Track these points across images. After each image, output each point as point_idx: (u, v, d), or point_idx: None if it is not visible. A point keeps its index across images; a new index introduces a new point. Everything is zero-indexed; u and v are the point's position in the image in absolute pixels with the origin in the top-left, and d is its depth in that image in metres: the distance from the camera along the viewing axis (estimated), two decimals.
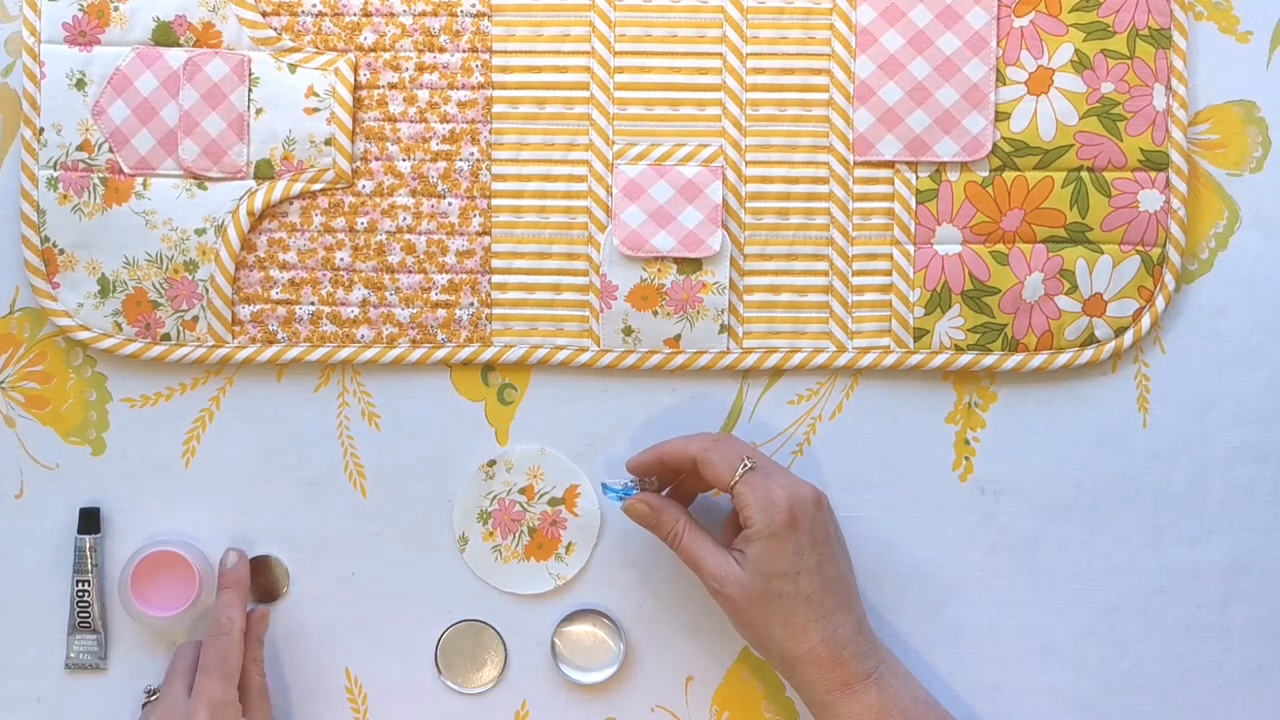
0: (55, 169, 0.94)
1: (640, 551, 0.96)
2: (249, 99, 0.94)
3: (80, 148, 0.94)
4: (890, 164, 0.95)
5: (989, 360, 0.95)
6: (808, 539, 0.87)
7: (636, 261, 0.95)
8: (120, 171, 0.94)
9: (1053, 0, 0.94)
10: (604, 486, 0.93)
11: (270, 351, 0.95)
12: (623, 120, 0.95)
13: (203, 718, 0.86)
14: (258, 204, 0.94)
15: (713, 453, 0.88)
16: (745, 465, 0.88)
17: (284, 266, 0.95)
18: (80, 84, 0.93)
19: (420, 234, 0.95)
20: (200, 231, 0.94)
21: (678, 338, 0.95)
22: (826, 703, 0.87)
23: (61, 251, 0.94)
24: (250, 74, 0.94)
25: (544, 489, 0.96)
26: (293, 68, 0.94)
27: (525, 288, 0.95)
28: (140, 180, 0.94)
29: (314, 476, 0.96)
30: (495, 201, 0.95)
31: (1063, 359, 0.95)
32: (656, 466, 0.91)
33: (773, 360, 0.95)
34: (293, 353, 0.95)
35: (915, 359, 0.95)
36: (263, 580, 0.95)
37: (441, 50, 0.94)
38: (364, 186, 0.95)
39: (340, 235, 0.95)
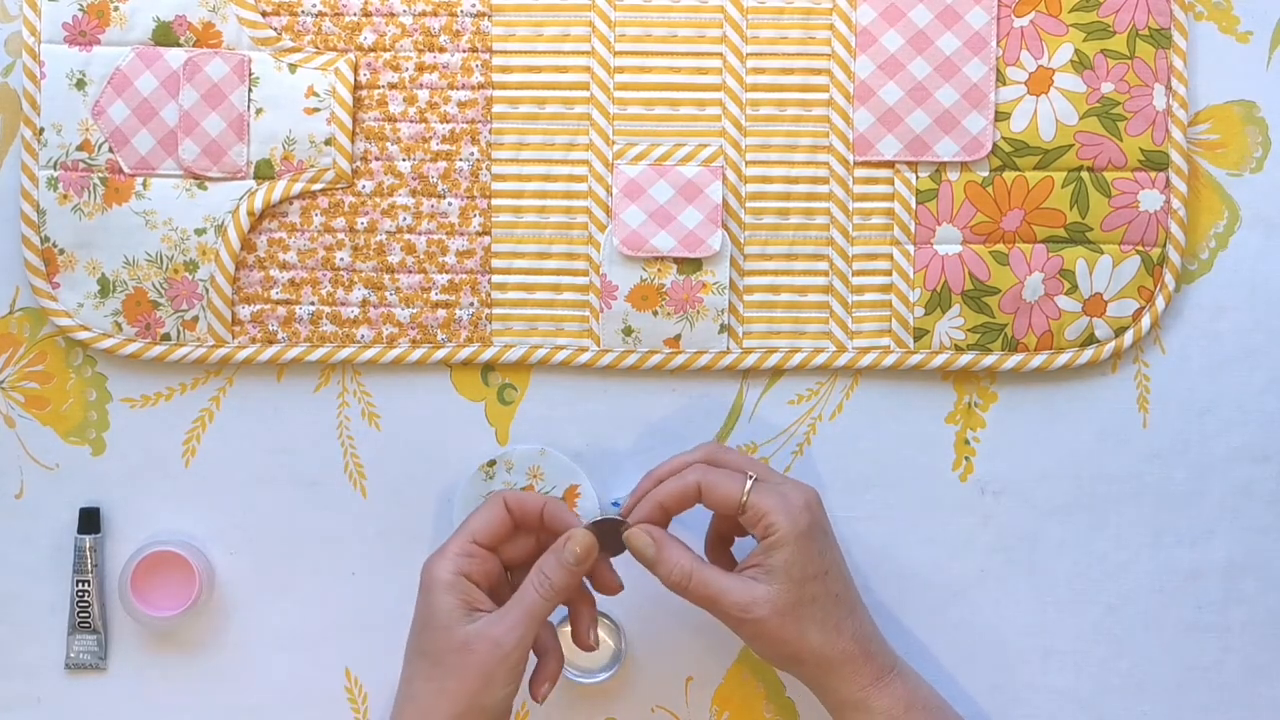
0: (55, 169, 0.94)
1: None
2: (249, 99, 0.94)
3: (80, 148, 0.94)
4: (890, 164, 0.95)
5: (989, 360, 0.95)
6: (825, 537, 0.86)
7: (636, 261, 0.95)
8: (120, 171, 0.94)
9: (1053, 0, 0.94)
10: (614, 505, 0.94)
11: (270, 351, 0.95)
12: (623, 120, 0.95)
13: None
14: (258, 204, 0.94)
15: (714, 474, 0.86)
16: (751, 478, 0.86)
17: (284, 266, 0.95)
18: (80, 84, 0.93)
19: (420, 234, 0.95)
20: (200, 231, 0.94)
21: (678, 338, 0.95)
22: (859, 700, 0.86)
23: (61, 251, 0.94)
24: (250, 74, 0.94)
25: (544, 489, 0.96)
26: (293, 68, 0.94)
27: (525, 288, 0.95)
28: (140, 180, 0.94)
29: (314, 476, 0.96)
30: (495, 201, 0.95)
31: (1063, 359, 0.95)
32: (658, 512, 0.87)
33: (773, 360, 0.95)
34: (293, 353, 0.95)
35: (915, 359, 0.95)
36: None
37: (441, 50, 0.94)
38: (364, 186, 0.95)
39: (340, 235, 0.95)
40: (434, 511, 0.96)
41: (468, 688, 0.82)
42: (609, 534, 0.86)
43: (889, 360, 0.95)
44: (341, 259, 0.95)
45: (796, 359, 0.95)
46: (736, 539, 0.92)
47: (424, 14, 0.94)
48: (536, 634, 0.84)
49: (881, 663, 0.87)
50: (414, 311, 0.95)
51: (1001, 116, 0.94)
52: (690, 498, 0.87)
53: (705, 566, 0.85)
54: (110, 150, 0.94)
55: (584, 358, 0.95)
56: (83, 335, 0.94)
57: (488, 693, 0.82)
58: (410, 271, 0.95)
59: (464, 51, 0.94)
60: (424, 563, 0.86)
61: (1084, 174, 0.94)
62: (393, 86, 0.94)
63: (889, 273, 0.95)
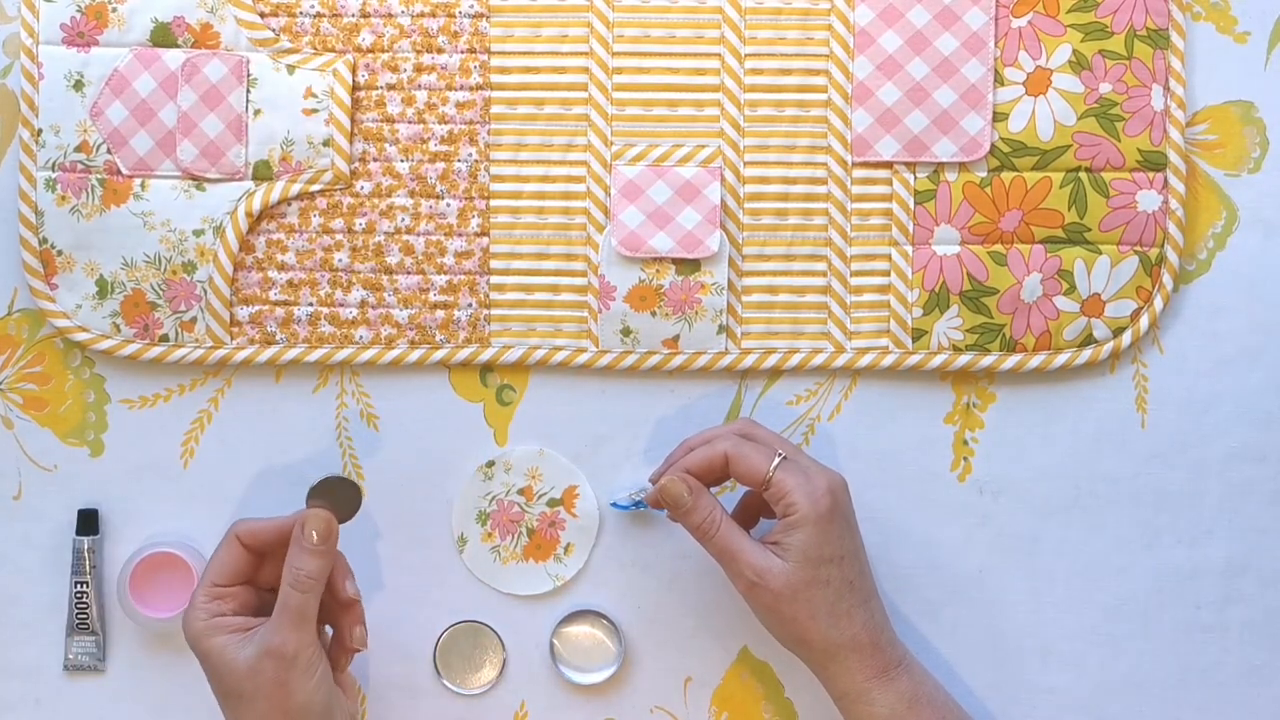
0: (53, 170, 0.94)
1: (639, 552, 0.96)
2: (247, 100, 0.94)
3: (78, 149, 0.94)
4: (888, 164, 0.95)
5: (987, 361, 0.95)
6: (845, 524, 0.87)
7: (635, 262, 0.95)
8: (118, 173, 0.94)
9: (1051, 1, 0.94)
10: (613, 505, 0.94)
11: (269, 353, 0.95)
12: (621, 121, 0.95)
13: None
14: (256, 205, 0.94)
15: (745, 446, 0.88)
16: (780, 455, 0.87)
17: (282, 267, 0.95)
18: (78, 85, 0.93)
19: (418, 235, 0.95)
20: (198, 233, 0.94)
21: (676, 338, 0.95)
22: (863, 691, 0.86)
23: (60, 253, 0.94)
24: (248, 75, 0.94)
25: (542, 490, 0.96)
26: (291, 69, 0.94)
27: (523, 288, 0.95)
28: (138, 181, 0.94)
29: (313, 477, 0.95)
30: (493, 202, 0.95)
31: (1061, 359, 0.95)
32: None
33: (771, 361, 0.95)
34: (291, 354, 0.95)
35: (914, 359, 0.95)
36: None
37: (440, 51, 0.94)
38: (362, 187, 0.95)
39: (338, 236, 0.95)
40: (433, 512, 0.96)
41: (275, 704, 0.83)
42: (339, 496, 0.87)
43: (887, 361, 0.95)
44: (340, 260, 0.95)
45: (795, 359, 0.95)
46: (761, 520, 0.93)
47: (422, 15, 0.94)
48: (315, 623, 0.85)
49: (889, 656, 0.87)
50: (412, 312, 0.95)
51: (999, 117, 0.94)
52: (717, 467, 0.88)
53: (734, 524, 0.88)
54: (108, 151, 0.94)
55: (582, 358, 0.95)
56: (81, 336, 0.94)
57: (294, 699, 0.83)
58: (408, 272, 0.95)
59: (462, 52, 0.95)
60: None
61: (1082, 174, 0.94)
62: (391, 87, 0.95)
63: (887, 273, 0.95)
